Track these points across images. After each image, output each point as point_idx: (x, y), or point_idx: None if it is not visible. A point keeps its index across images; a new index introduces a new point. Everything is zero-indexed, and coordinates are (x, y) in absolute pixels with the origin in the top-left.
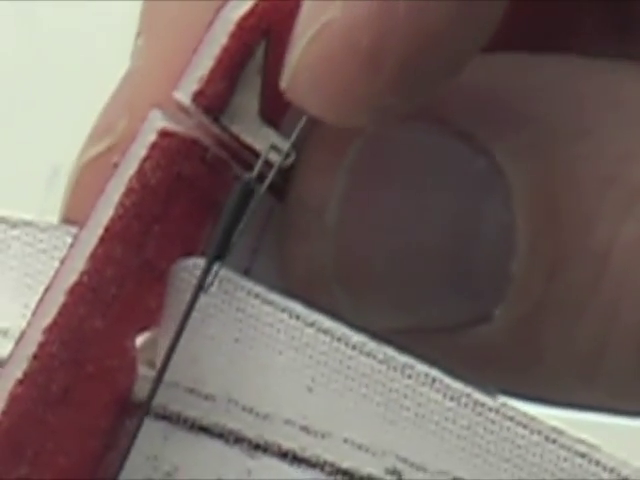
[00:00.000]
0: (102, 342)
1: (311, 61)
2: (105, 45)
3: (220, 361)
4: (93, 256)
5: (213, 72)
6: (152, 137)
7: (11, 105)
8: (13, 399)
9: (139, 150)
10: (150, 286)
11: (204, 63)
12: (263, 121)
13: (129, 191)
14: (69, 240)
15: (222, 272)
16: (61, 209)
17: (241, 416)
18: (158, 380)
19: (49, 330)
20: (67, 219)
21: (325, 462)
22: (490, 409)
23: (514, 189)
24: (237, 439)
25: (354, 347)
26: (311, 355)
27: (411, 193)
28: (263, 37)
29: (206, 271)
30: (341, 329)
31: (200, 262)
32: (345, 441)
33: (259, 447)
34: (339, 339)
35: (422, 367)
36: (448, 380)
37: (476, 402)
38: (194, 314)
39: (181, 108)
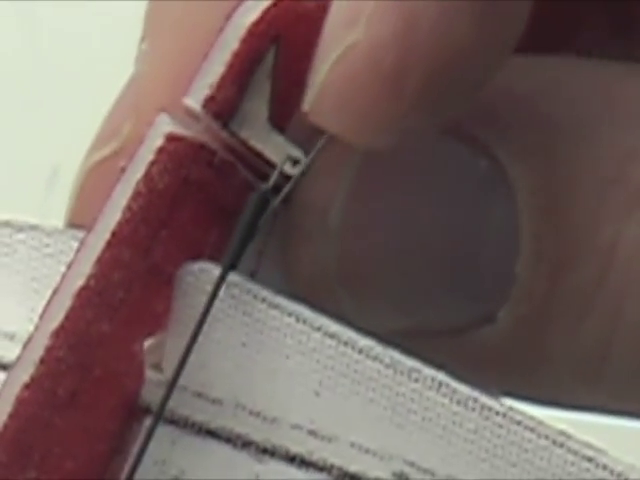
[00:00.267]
0: (109, 346)
1: (336, 83)
2: (105, 45)
3: (227, 365)
4: (100, 260)
5: (224, 78)
6: (159, 141)
7: (11, 105)
8: (20, 403)
9: (146, 154)
10: (157, 290)
11: (215, 69)
12: (272, 127)
13: (136, 195)
14: (75, 244)
15: (229, 276)
16: (66, 213)
17: (249, 420)
18: (172, 385)
19: (56, 334)
20: (72, 223)
21: (332, 466)
22: (497, 413)
23: (517, 190)
24: (245, 443)
25: (361, 351)
26: (318, 359)
27: (415, 195)
28: (273, 43)
29: (221, 279)
30: (347, 333)
31: (207, 266)
32: (352, 445)
33: (267, 451)
34: (346, 343)
35: (429, 371)
36: (455, 384)
37: (483, 406)
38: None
39: (190, 113)
